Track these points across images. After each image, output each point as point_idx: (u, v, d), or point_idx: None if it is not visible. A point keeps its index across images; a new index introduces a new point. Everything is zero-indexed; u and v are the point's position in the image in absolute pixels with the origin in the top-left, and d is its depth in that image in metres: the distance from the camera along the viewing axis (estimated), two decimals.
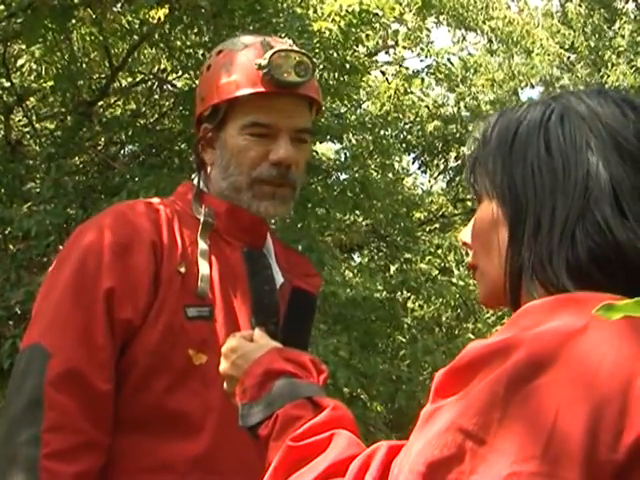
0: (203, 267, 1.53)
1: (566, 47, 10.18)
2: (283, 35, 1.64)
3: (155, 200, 1.65)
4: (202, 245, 1.55)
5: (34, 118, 6.16)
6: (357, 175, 5.68)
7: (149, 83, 6.62)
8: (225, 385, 1.25)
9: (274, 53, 1.55)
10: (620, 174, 0.90)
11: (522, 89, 10.49)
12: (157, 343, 1.48)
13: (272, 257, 1.68)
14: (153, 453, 1.47)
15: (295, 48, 1.61)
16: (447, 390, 0.83)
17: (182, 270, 1.52)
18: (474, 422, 0.78)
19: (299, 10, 4.94)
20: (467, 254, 1.11)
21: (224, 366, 1.25)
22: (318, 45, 4.82)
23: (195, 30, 4.76)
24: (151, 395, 1.48)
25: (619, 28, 10.14)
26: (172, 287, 1.50)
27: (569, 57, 10.36)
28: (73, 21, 4.90)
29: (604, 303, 0.58)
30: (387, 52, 8.55)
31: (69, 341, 1.43)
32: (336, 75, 5.17)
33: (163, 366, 1.48)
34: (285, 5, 4.95)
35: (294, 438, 1.03)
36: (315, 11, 5.13)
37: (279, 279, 1.64)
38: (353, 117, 6.48)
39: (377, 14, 5.00)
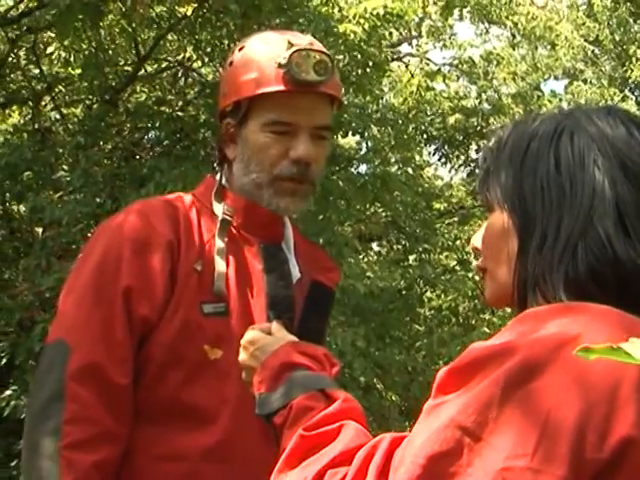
0: (219, 265, 1.55)
1: (590, 40, 10.05)
2: (307, 35, 1.66)
3: (176, 197, 1.67)
4: (219, 243, 1.58)
5: (62, 105, 6.21)
6: (378, 170, 5.68)
7: (174, 70, 6.65)
8: (243, 375, 1.31)
9: (294, 52, 1.55)
10: (625, 194, 0.94)
11: (545, 81, 10.39)
12: (173, 339, 1.51)
13: (291, 251, 1.69)
14: (168, 443, 1.50)
15: (315, 47, 1.59)
16: (448, 387, 0.89)
17: (199, 268, 1.54)
18: (472, 420, 0.83)
19: (324, 9, 4.96)
20: (476, 258, 1.16)
21: (243, 357, 1.30)
22: (343, 47, 4.85)
23: (224, 30, 4.78)
24: (167, 388, 1.51)
25: None
26: (189, 284, 1.53)
27: (593, 50, 10.22)
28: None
29: (582, 345, 0.64)
30: (410, 43, 8.52)
31: (89, 337, 1.47)
32: (359, 71, 5.18)
33: (179, 361, 1.52)
34: (311, 5, 4.97)
35: (306, 427, 1.08)
36: (340, 10, 5.13)
37: (296, 274, 1.66)
38: (375, 108, 6.46)
39: (400, 16, 5.01)
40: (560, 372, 0.83)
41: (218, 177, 1.69)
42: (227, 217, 1.61)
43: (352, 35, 4.90)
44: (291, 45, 1.58)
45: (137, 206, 1.65)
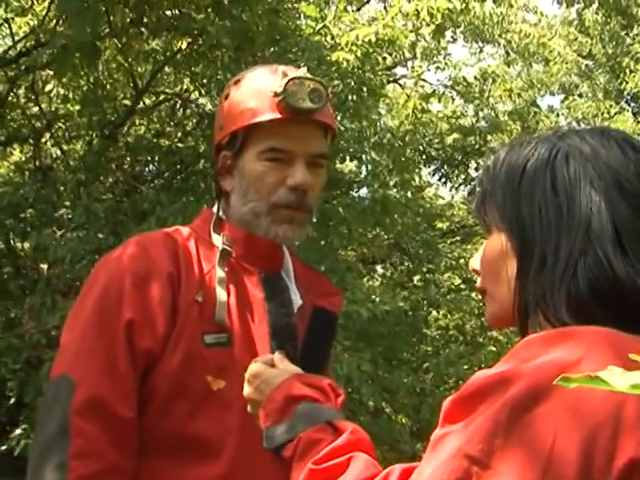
0: (220, 295, 1.55)
1: (584, 55, 10.11)
2: (302, 65, 1.69)
3: (174, 230, 1.67)
4: (219, 273, 1.58)
5: (63, 142, 6.25)
6: (377, 194, 5.70)
7: (172, 102, 6.69)
8: (249, 408, 1.31)
9: (289, 81, 1.58)
10: (622, 213, 0.95)
11: (541, 97, 10.44)
12: (176, 370, 1.50)
13: (291, 279, 1.70)
14: (174, 477, 1.50)
15: (309, 76, 1.63)
16: (454, 417, 0.90)
17: (199, 299, 1.54)
18: (479, 449, 0.84)
19: (316, 38, 5.00)
20: (476, 280, 1.17)
21: (247, 390, 1.31)
22: (336, 75, 4.88)
23: (218, 63, 4.82)
24: (172, 421, 1.51)
25: (636, 34, 10.04)
26: (190, 316, 1.53)
27: (587, 64, 10.28)
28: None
29: (562, 376, 0.65)
30: (405, 65, 8.58)
31: (93, 371, 1.47)
32: (354, 97, 5.21)
33: (182, 392, 1.51)
34: (303, 34, 5.01)
35: (315, 461, 1.09)
36: (332, 38, 5.18)
37: (297, 301, 1.66)
38: (372, 131, 6.49)
39: (392, 41, 5.05)
40: (563, 397, 0.83)
41: (215, 209, 1.70)
42: (227, 247, 1.62)
43: (345, 63, 4.95)
44: (286, 75, 1.61)
45: (136, 239, 1.65)
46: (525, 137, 1.10)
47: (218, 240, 1.64)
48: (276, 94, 1.58)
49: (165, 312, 1.52)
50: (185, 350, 1.51)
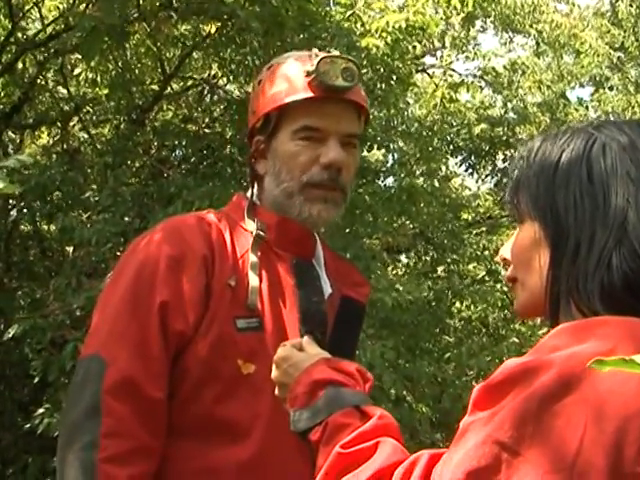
0: (253, 280, 1.56)
1: (616, 47, 9.98)
2: (331, 50, 1.71)
3: (208, 213, 1.67)
4: (253, 258, 1.58)
5: (91, 126, 6.29)
6: (404, 183, 5.68)
7: (200, 88, 6.71)
8: (277, 391, 1.32)
9: (321, 60, 1.58)
10: None
11: (571, 89, 10.33)
12: (207, 354, 1.51)
13: (322, 267, 1.70)
14: (201, 458, 1.51)
15: (342, 55, 1.64)
16: (484, 404, 0.89)
17: (232, 283, 1.55)
18: (509, 435, 0.84)
19: (346, 24, 4.99)
20: (505, 268, 1.16)
21: (276, 374, 1.32)
22: (366, 61, 4.87)
23: (247, 48, 4.83)
24: (201, 404, 1.52)
25: None
26: (223, 300, 1.53)
27: (619, 57, 10.14)
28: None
29: (596, 358, 0.65)
30: (434, 55, 8.53)
31: (125, 352, 1.47)
32: (383, 86, 5.19)
33: (213, 376, 1.52)
34: (333, 20, 5.00)
35: (343, 445, 1.09)
36: (362, 25, 5.16)
37: (327, 289, 1.67)
38: (399, 122, 6.47)
39: (423, 29, 5.03)
40: (595, 387, 0.83)
41: (249, 194, 1.70)
42: (260, 233, 1.62)
43: (375, 49, 4.93)
44: (317, 55, 1.61)
45: (170, 222, 1.66)
46: (560, 128, 1.10)
47: (251, 225, 1.64)
48: (308, 73, 1.59)
49: (199, 295, 1.52)
50: (217, 334, 1.52)
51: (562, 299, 0.98)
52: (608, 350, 0.85)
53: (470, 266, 8.26)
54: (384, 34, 4.94)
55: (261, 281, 1.58)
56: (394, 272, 7.35)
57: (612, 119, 1.09)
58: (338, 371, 1.24)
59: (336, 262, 1.77)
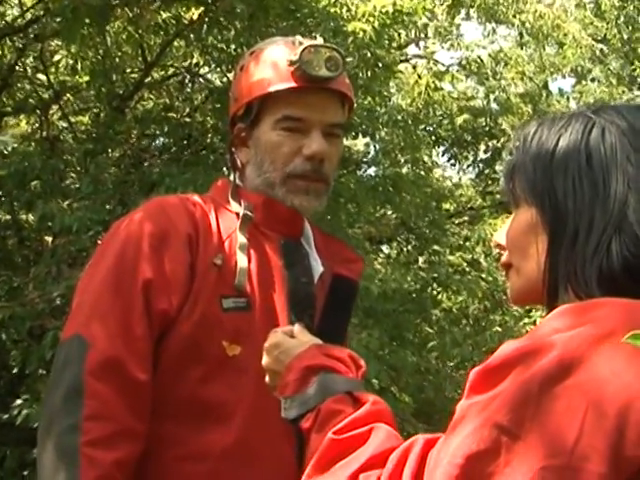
0: (241, 260, 1.54)
1: (598, 39, 10.04)
2: (317, 36, 1.68)
3: (192, 195, 1.66)
4: (241, 238, 1.57)
5: (70, 113, 6.22)
6: (388, 171, 5.68)
7: (181, 77, 6.66)
8: (267, 379, 1.29)
9: (304, 49, 1.56)
10: None
11: (554, 80, 10.38)
12: (192, 334, 1.49)
13: (311, 246, 1.69)
14: (186, 442, 1.49)
15: (326, 44, 1.62)
16: (482, 387, 0.87)
17: (218, 262, 1.53)
18: (508, 418, 0.82)
19: (333, 10, 4.96)
20: (499, 255, 1.15)
21: (266, 361, 1.29)
22: (352, 45, 4.84)
23: (231, 32, 4.78)
24: (185, 385, 1.50)
25: None
26: (208, 279, 1.51)
27: (601, 49, 10.20)
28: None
29: (632, 333, 0.63)
30: (417, 45, 8.53)
31: (108, 332, 1.45)
32: (368, 73, 5.17)
33: (197, 357, 1.50)
34: (319, 5, 4.97)
35: (336, 431, 1.07)
36: (349, 10, 5.13)
37: (319, 268, 1.65)
38: (383, 111, 6.46)
39: (410, 13, 5.01)
40: (597, 368, 0.82)
41: (232, 178, 1.69)
42: (248, 213, 1.60)
43: (361, 34, 4.90)
44: (301, 44, 1.59)
45: (153, 202, 1.64)
46: (557, 113, 1.09)
47: (236, 207, 1.63)
48: (291, 62, 1.57)
49: (183, 274, 1.50)
50: (202, 313, 1.50)
51: (560, 286, 0.96)
52: (609, 331, 0.83)
53: (452, 257, 8.29)
54: (371, 18, 4.92)
55: (249, 261, 1.56)
56: (376, 262, 7.34)
57: (612, 103, 1.07)
58: (331, 357, 1.22)
59: (326, 240, 1.75)
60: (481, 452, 0.83)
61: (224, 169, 4.90)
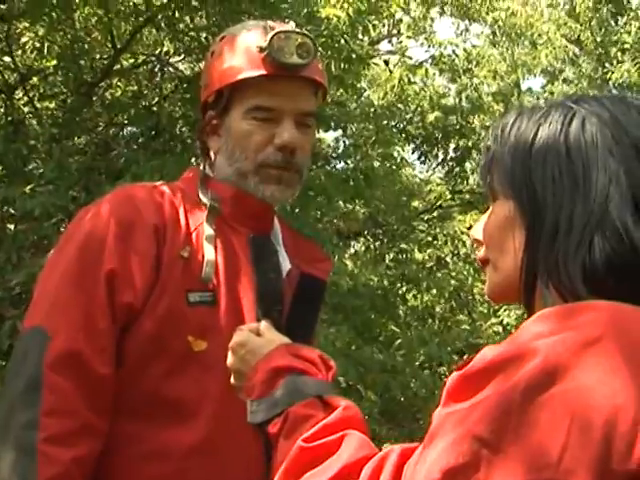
0: (209, 252, 1.51)
1: (572, 40, 10.12)
2: (290, 21, 1.65)
3: (160, 183, 1.64)
4: (208, 230, 1.53)
5: (36, 98, 6.11)
6: (360, 165, 5.65)
7: (150, 65, 6.58)
8: (232, 379, 1.25)
9: (275, 35, 1.53)
10: None
11: (526, 79, 10.45)
12: (156, 328, 1.46)
13: (280, 243, 1.66)
14: (150, 440, 1.45)
15: (297, 30, 1.59)
16: (461, 394, 0.83)
17: (185, 255, 1.50)
18: (489, 430, 0.78)
19: None
20: (471, 248, 1.10)
21: (232, 361, 1.24)
22: (325, 32, 4.80)
23: (202, 15, 4.71)
24: (149, 381, 1.46)
25: (625, 24, 10.07)
26: (174, 272, 1.48)
27: (574, 50, 10.29)
28: (77, 0, 4.87)
29: None
30: (390, 41, 8.53)
31: (69, 324, 1.41)
32: (341, 65, 5.14)
33: (162, 352, 1.47)
34: None
35: (306, 439, 1.03)
36: None
37: (286, 265, 1.63)
38: (354, 106, 6.45)
39: (386, 1, 4.98)
40: (582, 376, 0.78)
41: (202, 167, 1.65)
42: (215, 204, 1.57)
43: (335, 19, 4.85)
44: (272, 29, 1.56)
45: (120, 191, 1.60)
46: (536, 104, 1.04)
47: (206, 198, 1.59)
48: (261, 49, 1.54)
49: (149, 266, 1.47)
50: (166, 307, 1.46)
51: (540, 283, 0.92)
52: (595, 337, 0.80)
53: (420, 255, 8.31)
54: (345, 5, 4.87)
55: (216, 255, 1.53)
56: (345, 257, 7.34)
57: (593, 94, 1.03)
58: (299, 358, 1.18)
59: (295, 238, 1.73)
60: (460, 466, 0.79)
61: (192, 160, 4.84)
